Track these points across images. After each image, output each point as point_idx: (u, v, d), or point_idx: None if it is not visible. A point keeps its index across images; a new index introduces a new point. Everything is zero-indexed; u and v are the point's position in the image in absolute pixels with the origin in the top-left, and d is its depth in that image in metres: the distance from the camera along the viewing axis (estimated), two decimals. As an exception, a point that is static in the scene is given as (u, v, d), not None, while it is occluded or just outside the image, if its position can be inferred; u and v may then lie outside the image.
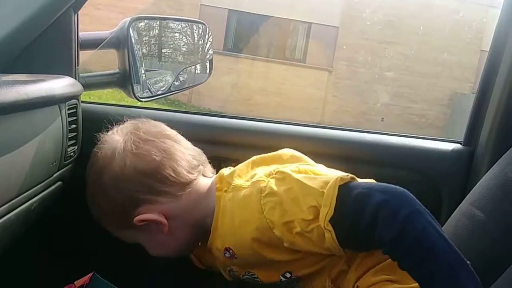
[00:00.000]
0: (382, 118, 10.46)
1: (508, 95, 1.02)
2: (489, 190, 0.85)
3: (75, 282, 0.87)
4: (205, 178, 0.79)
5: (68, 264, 1.00)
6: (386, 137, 1.13)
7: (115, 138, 0.78)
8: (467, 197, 0.91)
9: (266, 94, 9.76)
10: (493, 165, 0.91)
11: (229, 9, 9.82)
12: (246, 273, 0.78)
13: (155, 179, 0.74)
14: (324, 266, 0.74)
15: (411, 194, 0.63)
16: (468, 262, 0.59)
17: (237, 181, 0.74)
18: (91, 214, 1.08)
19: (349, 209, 0.63)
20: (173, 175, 0.74)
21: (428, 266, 0.59)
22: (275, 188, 0.69)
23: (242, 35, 10.40)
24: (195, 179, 0.77)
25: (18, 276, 1.01)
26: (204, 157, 0.82)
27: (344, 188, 0.65)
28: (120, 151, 0.75)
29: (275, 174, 0.72)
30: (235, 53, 9.82)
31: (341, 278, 0.74)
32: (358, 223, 0.62)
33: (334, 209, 0.63)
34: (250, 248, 0.71)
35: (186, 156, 0.77)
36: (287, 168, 0.73)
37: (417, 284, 0.67)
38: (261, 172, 0.75)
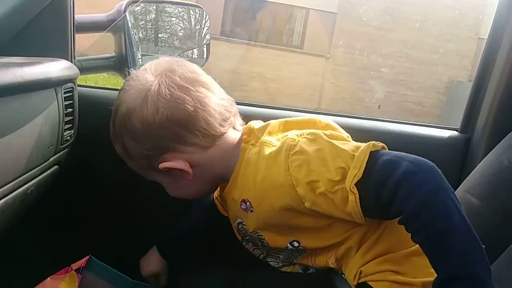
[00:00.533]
0: (379, 106, 10.47)
1: (505, 83, 1.02)
2: (485, 177, 0.85)
3: (71, 265, 0.87)
4: (234, 131, 0.77)
5: (65, 248, 1.01)
6: (383, 124, 1.13)
7: (148, 78, 0.73)
8: (462, 184, 0.92)
9: (263, 80, 9.69)
10: (489, 153, 0.92)
11: None
12: (254, 232, 0.77)
13: (186, 129, 0.72)
14: (334, 244, 0.73)
15: (439, 170, 0.62)
16: (483, 246, 0.59)
17: (267, 138, 0.73)
18: (89, 197, 1.08)
19: (376, 174, 0.63)
20: (205, 127, 0.72)
21: (442, 245, 0.58)
22: (304, 147, 0.68)
23: (240, 20, 10.31)
24: (225, 132, 0.75)
25: (14, 259, 1.02)
26: (235, 107, 0.79)
27: (375, 154, 0.65)
28: (154, 94, 0.71)
29: (307, 134, 0.71)
30: (232, 38, 9.71)
31: (347, 258, 0.73)
32: (382, 189, 0.62)
33: (363, 172, 0.63)
34: (269, 205, 0.70)
35: (220, 107, 0.74)
36: (320, 131, 0.72)
37: (421, 279, 0.68)
38: (292, 133, 0.74)
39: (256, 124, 0.78)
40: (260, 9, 9.98)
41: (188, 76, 0.73)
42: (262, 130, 0.76)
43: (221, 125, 0.74)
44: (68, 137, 0.89)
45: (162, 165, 0.73)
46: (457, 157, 1.08)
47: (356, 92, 10.08)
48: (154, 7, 1.47)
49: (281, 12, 10.21)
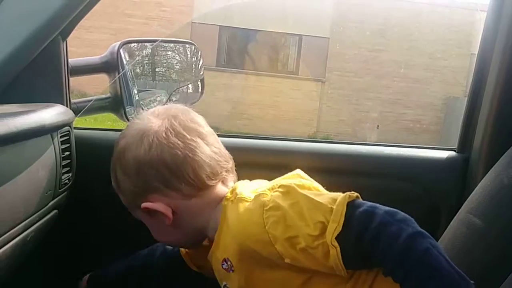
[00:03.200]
0: (378, 126, 10.51)
1: (498, 100, 1.02)
2: (486, 196, 0.85)
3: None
4: (223, 187, 0.78)
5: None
6: (380, 148, 1.13)
7: (152, 119, 0.76)
8: (464, 204, 0.91)
9: (261, 107, 9.80)
10: (488, 171, 0.91)
11: (220, 25, 9.78)
12: None
13: (172, 174, 0.73)
14: None
15: (412, 219, 0.64)
16: (472, 281, 0.59)
17: (243, 192, 0.74)
18: (89, 239, 1.07)
19: (354, 227, 0.63)
20: (191, 175, 0.73)
21: (431, 286, 0.59)
22: (279, 201, 0.68)
23: (235, 51, 10.48)
24: (212, 185, 0.75)
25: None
26: (231, 164, 0.80)
27: (351, 206, 0.65)
28: (151, 134, 0.74)
29: (278, 187, 0.71)
30: (228, 69, 9.88)
31: None
32: (361, 240, 0.62)
33: (342, 226, 0.63)
34: (248, 261, 0.70)
35: (212, 160, 0.75)
36: (291, 181, 0.72)
37: None
38: (264, 185, 0.75)
39: (242, 182, 0.79)
40: (254, 38, 10.12)
41: (188, 125, 0.76)
42: (242, 185, 0.77)
43: (208, 178, 0.75)
44: (67, 180, 0.89)
45: (144, 205, 0.75)
46: (457, 177, 1.07)
47: (354, 113, 10.14)
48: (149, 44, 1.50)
49: (275, 40, 10.39)
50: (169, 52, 1.46)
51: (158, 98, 1.40)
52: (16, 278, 0.84)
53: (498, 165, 0.89)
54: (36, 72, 0.87)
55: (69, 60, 0.96)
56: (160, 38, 1.30)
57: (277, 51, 10.71)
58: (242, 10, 9.88)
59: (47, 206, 0.82)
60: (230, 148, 1.05)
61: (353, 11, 9.82)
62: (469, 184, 1.03)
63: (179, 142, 0.73)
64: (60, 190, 0.86)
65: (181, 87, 1.48)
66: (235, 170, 0.82)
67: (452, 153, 1.12)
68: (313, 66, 10.12)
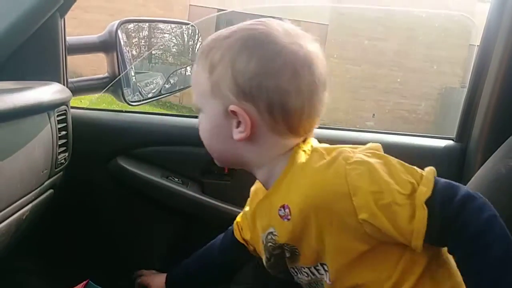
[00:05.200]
0: (373, 114, 10.54)
1: (499, 91, 1.02)
2: (483, 186, 0.85)
3: (69, 290, 0.86)
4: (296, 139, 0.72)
5: (62, 272, 0.99)
6: (379, 135, 1.13)
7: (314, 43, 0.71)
8: (461, 194, 0.91)
9: None
10: (485, 161, 0.91)
11: (218, 9, 9.76)
12: (286, 244, 0.71)
13: (284, 104, 0.66)
14: (371, 281, 0.68)
15: None
16: None
17: (319, 147, 0.71)
18: (85, 220, 1.07)
19: (441, 195, 0.62)
20: (294, 117, 0.67)
21: (495, 272, 0.58)
22: (365, 158, 0.65)
23: None
24: (298, 134, 0.70)
25: (9, 285, 1.00)
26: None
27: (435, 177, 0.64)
28: (315, 52, 0.69)
29: (365, 149, 0.68)
30: None
31: None
32: (446, 208, 0.61)
33: (431, 192, 0.62)
34: (309, 214, 0.66)
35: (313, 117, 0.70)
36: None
37: None
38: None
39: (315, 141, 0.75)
40: None
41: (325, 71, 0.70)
42: (317, 142, 0.74)
43: (304, 131, 0.70)
44: (63, 160, 0.88)
45: (234, 107, 0.67)
46: (454, 166, 1.07)
47: (350, 102, 10.14)
48: (147, 24, 1.47)
49: None
50: (166, 35, 1.43)
51: (155, 81, 1.39)
52: (11, 258, 0.84)
53: (496, 155, 0.89)
54: (34, 48, 0.85)
55: (67, 38, 0.94)
56: (159, 18, 1.28)
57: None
58: (241, -6, 9.81)
59: (43, 185, 0.81)
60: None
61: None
62: (466, 173, 1.04)
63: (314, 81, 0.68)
64: (56, 170, 0.86)
65: (179, 69, 1.46)
66: None
67: (450, 142, 1.12)
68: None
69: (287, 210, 0.68)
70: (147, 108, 1.38)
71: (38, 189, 0.79)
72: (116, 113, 1.14)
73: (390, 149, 1.05)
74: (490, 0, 1.08)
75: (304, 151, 0.70)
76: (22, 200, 0.74)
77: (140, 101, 1.19)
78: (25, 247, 0.89)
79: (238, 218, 0.90)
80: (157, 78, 1.39)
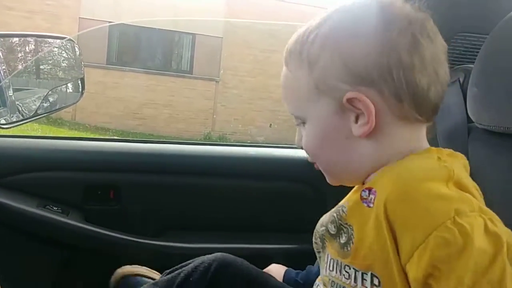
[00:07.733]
0: (270, 124, 10.17)
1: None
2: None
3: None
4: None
5: None
6: (269, 150, 1.16)
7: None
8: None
9: (155, 107, 9.43)
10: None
11: (108, 21, 8.76)
12: (350, 225, 0.59)
13: (412, 77, 0.57)
14: None
15: None
16: None
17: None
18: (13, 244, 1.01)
19: None
20: (423, 100, 0.58)
21: None
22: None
23: (126, 48, 9.98)
24: (423, 123, 0.61)
25: None
26: None
27: None
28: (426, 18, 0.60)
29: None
30: (119, 67, 9.39)
31: None
32: None
33: None
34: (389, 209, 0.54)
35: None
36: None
37: None
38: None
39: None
40: (146, 36, 9.70)
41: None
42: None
43: (434, 112, 0.61)
44: None
45: (350, 93, 0.57)
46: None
47: (248, 112, 10.05)
48: (21, 40, 1.32)
49: (168, 39, 10.04)
50: (56, 49, 1.35)
51: (33, 99, 1.28)
52: None
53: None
54: None
55: None
56: (34, 33, 1.20)
57: (170, 49, 10.35)
58: (132, 8, 9.08)
59: None
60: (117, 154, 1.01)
61: (245, 11, 9.68)
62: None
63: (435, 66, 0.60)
64: None
65: (58, 86, 1.35)
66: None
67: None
68: (207, 66, 9.97)
69: (371, 197, 0.57)
70: (29, 127, 1.31)
71: None
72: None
73: (283, 163, 1.05)
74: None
75: (438, 158, 0.59)
76: None
77: (16, 122, 1.10)
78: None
79: None
80: (42, 95, 1.28)
